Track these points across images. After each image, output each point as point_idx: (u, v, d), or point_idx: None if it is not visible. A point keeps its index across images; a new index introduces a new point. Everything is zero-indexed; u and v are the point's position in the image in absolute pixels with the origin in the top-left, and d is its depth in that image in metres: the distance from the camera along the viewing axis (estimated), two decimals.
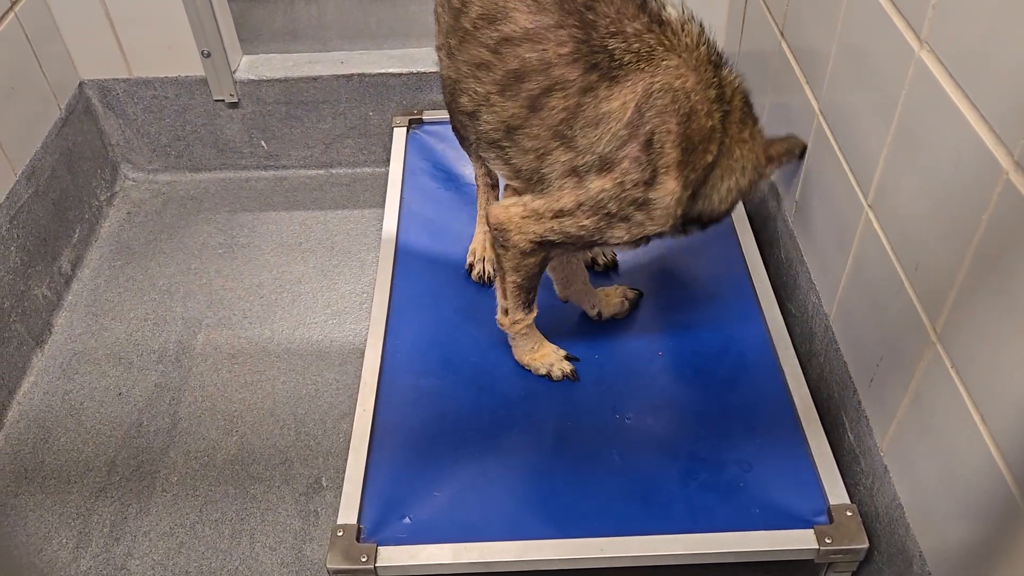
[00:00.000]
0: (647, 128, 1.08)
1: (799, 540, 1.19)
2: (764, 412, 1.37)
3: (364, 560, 1.18)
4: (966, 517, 0.97)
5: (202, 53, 2.01)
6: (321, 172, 2.25)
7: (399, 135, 1.98)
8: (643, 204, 1.12)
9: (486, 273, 1.60)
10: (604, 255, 1.63)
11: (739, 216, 1.71)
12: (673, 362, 1.46)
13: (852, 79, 1.23)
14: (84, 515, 1.52)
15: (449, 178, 1.86)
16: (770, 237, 1.65)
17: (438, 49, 1.40)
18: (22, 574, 1.44)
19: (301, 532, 1.48)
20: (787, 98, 1.52)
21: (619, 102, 1.08)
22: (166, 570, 1.44)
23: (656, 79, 1.08)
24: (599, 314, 1.52)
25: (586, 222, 1.15)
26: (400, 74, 2.07)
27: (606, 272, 1.63)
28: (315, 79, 2.08)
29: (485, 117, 1.20)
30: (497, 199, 1.65)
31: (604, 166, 1.11)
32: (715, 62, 1.12)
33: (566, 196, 1.15)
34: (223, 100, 2.11)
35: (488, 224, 1.24)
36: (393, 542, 1.21)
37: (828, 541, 1.18)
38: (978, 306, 0.92)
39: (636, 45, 1.09)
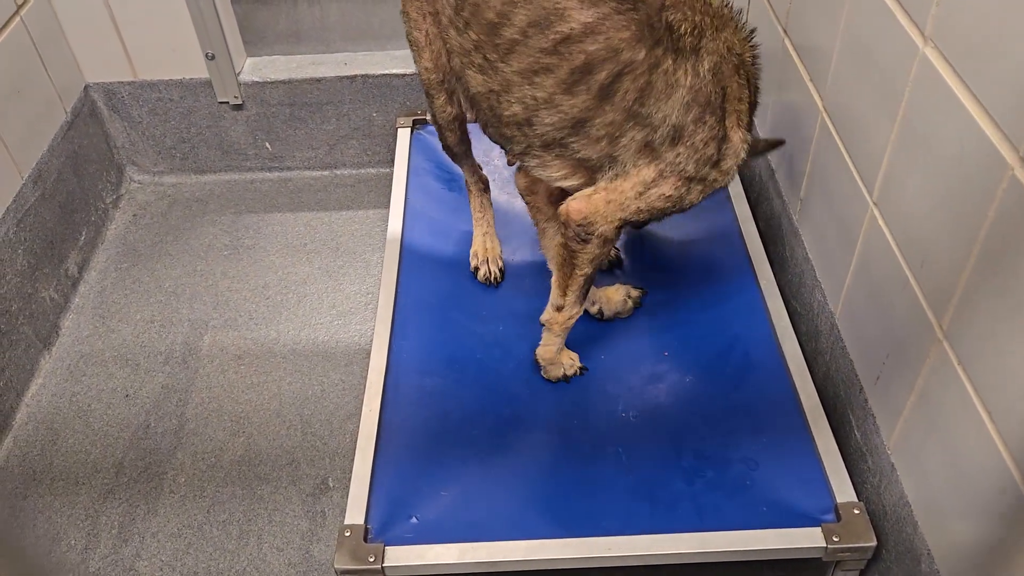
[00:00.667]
0: (708, 89, 1.14)
1: (807, 538, 1.19)
2: (770, 410, 1.37)
3: (371, 560, 1.18)
4: (974, 514, 0.97)
5: (206, 55, 2.02)
6: (325, 173, 2.25)
7: (403, 136, 1.98)
8: (717, 161, 1.18)
9: (492, 274, 1.60)
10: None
11: (744, 214, 1.71)
12: (678, 361, 1.46)
13: (856, 76, 1.23)
14: (92, 516, 1.52)
15: (453, 178, 1.86)
16: (775, 235, 1.65)
17: (428, 71, 1.42)
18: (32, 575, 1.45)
19: (308, 533, 1.48)
20: (791, 96, 1.52)
21: (683, 72, 1.13)
22: (174, 571, 1.44)
23: (706, 41, 1.14)
24: (600, 312, 1.52)
25: (669, 190, 1.18)
26: (404, 75, 2.07)
27: (611, 270, 1.63)
28: (319, 80, 2.09)
29: (547, 120, 1.21)
30: (490, 203, 1.66)
31: (676, 134, 1.15)
32: (731, 9, 1.21)
33: (645, 170, 1.18)
34: (227, 102, 2.11)
35: (568, 221, 1.24)
36: (400, 542, 1.21)
37: (836, 539, 1.18)
38: (984, 303, 0.92)
39: (688, 13, 1.13)
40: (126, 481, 1.57)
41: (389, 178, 1.91)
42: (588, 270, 1.29)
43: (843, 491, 1.23)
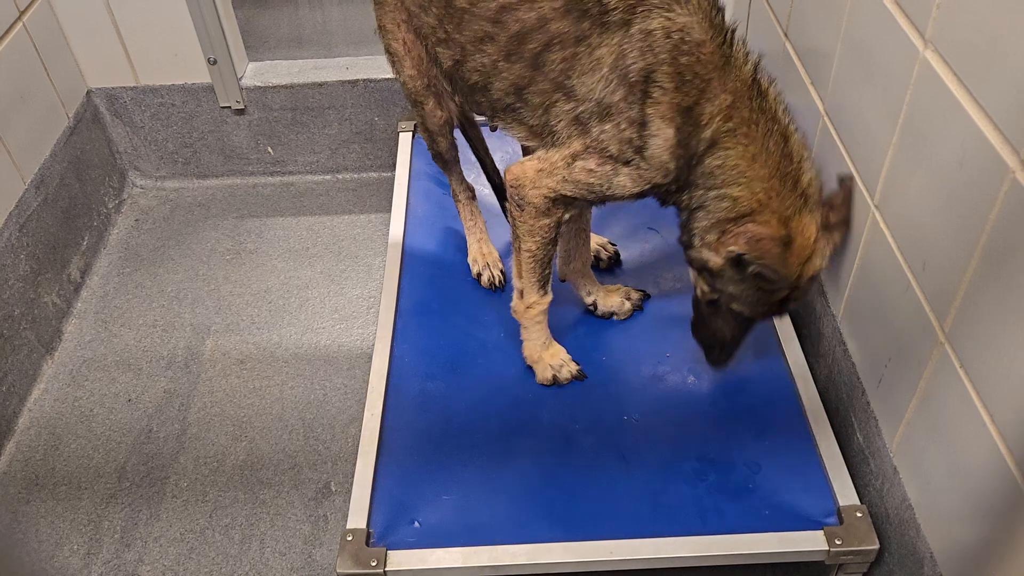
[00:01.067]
0: (632, 69, 1.11)
1: (809, 541, 1.19)
2: (773, 413, 1.37)
3: (374, 564, 1.18)
4: (976, 517, 0.97)
5: (208, 60, 2.02)
6: (327, 177, 2.25)
7: (404, 140, 1.98)
8: (640, 148, 1.15)
9: (495, 278, 1.61)
10: (606, 249, 1.63)
11: None
12: (681, 363, 1.46)
13: (857, 79, 1.23)
14: (95, 521, 1.52)
15: None
16: None
17: (412, 79, 1.44)
18: None
19: (311, 537, 1.48)
20: (792, 99, 1.52)
21: (606, 48, 1.12)
22: None
23: (639, 20, 1.10)
24: (595, 305, 1.53)
25: (594, 165, 1.18)
26: None
27: (610, 268, 1.63)
28: (321, 85, 2.09)
29: (496, 85, 1.26)
30: (480, 210, 1.69)
31: (603, 111, 1.15)
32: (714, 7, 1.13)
33: (575, 142, 1.19)
34: (229, 107, 2.12)
35: (505, 183, 1.28)
36: (402, 546, 1.21)
37: (838, 542, 1.17)
38: (986, 305, 0.92)
39: None
40: (128, 486, 1.57)
41: (391, 182, 1.91)
42: (531, 245, 1.30)
43: (845, 494, 1.23)
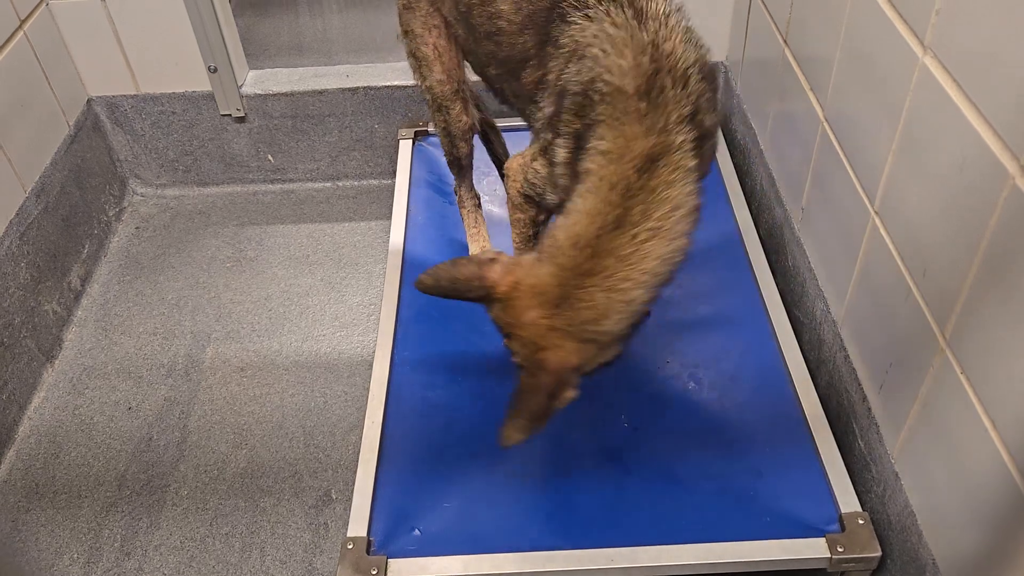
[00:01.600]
0: (561, 84, 1.14)
1: (811, 549, 1.18)
2: (773, 420, 1.36)
3: (375, 573, 1.18)
4: (979, 524, 0.97)
5: (209, 68, 2.03)
6: (328, 185, 2.26)
7: (405, 147, 1.99)
8: (554, 158, 1.17)
9: None
10: None
11: (745, 224, 1.71)
12: (681, 370, 1.46)
13: (856, 86, 1.23)
14: (95, 530, 1.52)
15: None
16: (777, 245, 1.65)
17: (441, 84, 1.49)
18: None
19: (311, 545, 1.48)
20: (792, 106, 1.52)
21: (555, 73, 1.17)
22: None
23: (580, 50, 1.10)
24: None
25: (540, 168, 1.23)
26: (405, 87, 2.08)
27: None
28: (321, 93, 2.09)
29: (506, 90, 1.38)
30: (484, 219, 1.71)
31: (548, 120, 1.20)
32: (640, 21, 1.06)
33: (535, 145, 1.26)
34: (230, 115, 2.12)
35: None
36: (403, 554, 1.21)
37: (840, 549, 1.17)
38: (987, 311, 0.92)
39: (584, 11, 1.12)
40: (128, 494, 1.57)
41: (391, 189, 1.91)
42: (513, 235, 1.38)
43: (847, 501, 1.23)
